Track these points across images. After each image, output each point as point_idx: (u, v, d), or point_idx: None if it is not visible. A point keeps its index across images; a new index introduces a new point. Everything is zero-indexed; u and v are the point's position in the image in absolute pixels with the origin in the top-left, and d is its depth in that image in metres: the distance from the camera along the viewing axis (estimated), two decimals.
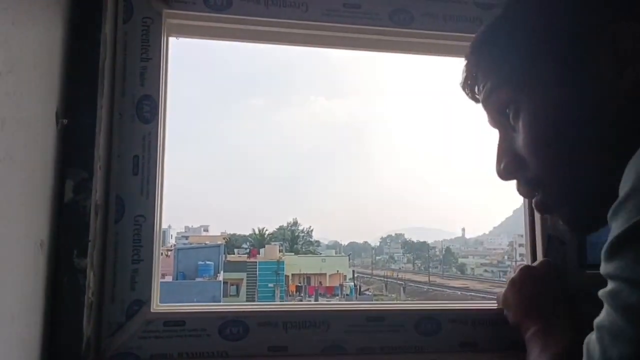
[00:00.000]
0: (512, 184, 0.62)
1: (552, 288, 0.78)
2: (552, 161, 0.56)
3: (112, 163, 0.77)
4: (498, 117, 0.61)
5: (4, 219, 0.53)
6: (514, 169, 0.60)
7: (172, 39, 0.86)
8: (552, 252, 0.85)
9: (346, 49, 0.94)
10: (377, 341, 0.81)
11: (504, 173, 0.61)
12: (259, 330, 0.79)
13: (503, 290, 0.82)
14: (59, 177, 0.69)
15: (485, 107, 0.62)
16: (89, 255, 0.70)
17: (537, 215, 0.88)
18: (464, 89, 0.65)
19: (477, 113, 0.64)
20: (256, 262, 18.64)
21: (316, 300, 17.28)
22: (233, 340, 0.78)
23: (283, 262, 19.31)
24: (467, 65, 0.63)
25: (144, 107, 0.79)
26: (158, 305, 0.79)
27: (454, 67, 0.74)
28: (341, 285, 21.28)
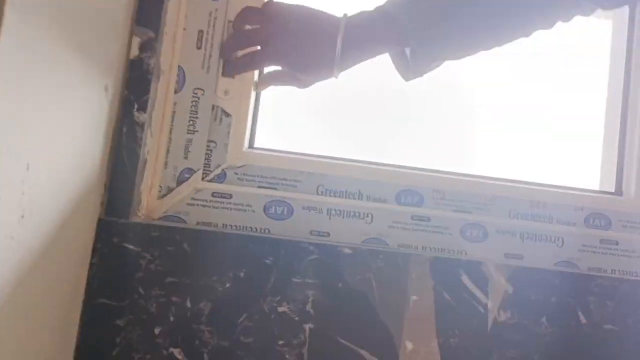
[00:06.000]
0: None
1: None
2: None
3: (177, 35, 0.79)
4: None
5: (74, 59, 0.56)
6: None
7: None
8: None
9: None
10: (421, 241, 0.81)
11: None
12: (303, 213, 0.80)
13: None
14: (128, 34, 0.71)
15: None
16: (147, 113, 0.72)
17: None
18: None
19: None
20: None
21: None
22: (277, 219, 0.79)
23: None
24: None
25: None
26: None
27: None
28: None
